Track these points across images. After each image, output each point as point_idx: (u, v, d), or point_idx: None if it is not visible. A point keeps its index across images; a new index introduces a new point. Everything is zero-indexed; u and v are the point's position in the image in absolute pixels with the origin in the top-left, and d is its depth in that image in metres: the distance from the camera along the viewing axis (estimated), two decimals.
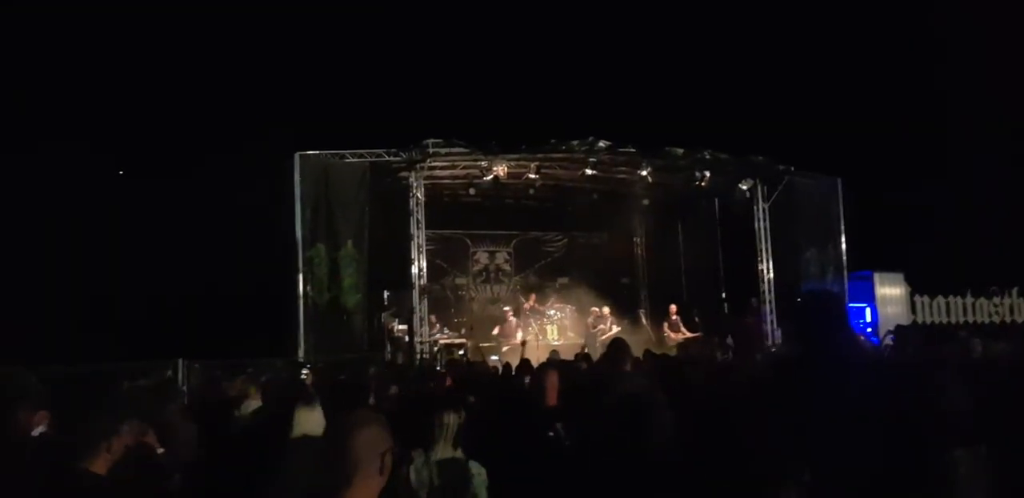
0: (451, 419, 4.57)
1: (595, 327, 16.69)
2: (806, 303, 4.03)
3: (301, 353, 13.57)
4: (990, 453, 4.65)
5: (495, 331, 17.03)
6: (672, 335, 16.71)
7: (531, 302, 18.17)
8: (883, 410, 3.28)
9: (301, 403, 4.79)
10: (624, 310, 17.93)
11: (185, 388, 9.63)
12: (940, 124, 22.36)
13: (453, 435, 4.56)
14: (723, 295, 18.14)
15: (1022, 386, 4.79)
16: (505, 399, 6.35)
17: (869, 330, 18.47)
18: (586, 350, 14.54)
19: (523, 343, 13.54)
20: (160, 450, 4.42)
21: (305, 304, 14.05)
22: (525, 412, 5.60)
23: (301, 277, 14.08)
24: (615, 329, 16.54)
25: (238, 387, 7.34)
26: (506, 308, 17.82)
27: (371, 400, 6.52)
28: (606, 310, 17.05)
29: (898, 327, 7.29)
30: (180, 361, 10.44)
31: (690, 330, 17.19)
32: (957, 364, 6.47)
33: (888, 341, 9.25)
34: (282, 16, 20.27)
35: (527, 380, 7.42)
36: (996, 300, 20.91)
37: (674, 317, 17.14)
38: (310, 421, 4.70)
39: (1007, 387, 4.97)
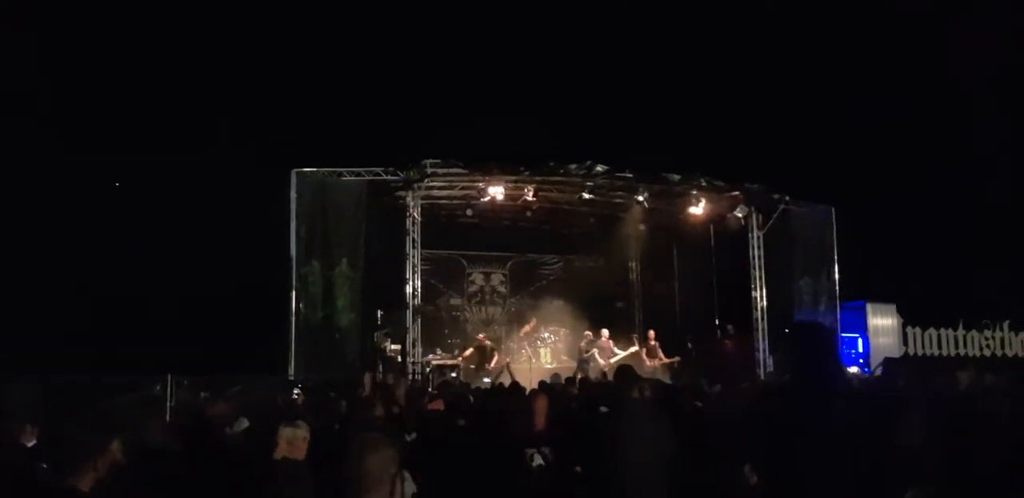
0: None
1: (587, 351, 16.66)
2: (795, 333, 4.05)
3: (292, 371, 13.53)
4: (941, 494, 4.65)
5: (464, 354, 16.82)
6: (648, 361, 16.65)
7: (530, 327, 18.09)
8: (849, 443, 3.31)
9: (283, 424, 4.78)
10: (618, 335, 17.88)
11: (173, 404, 9.61)
12: (935, 155, 22.52)
13: None
14: (716, 322, 18.14)
15: (995, 427, 4.80)
16: (489, 422, 6.35)
17: (861, 361, 18.48)
18: (578, 374, 14.56)
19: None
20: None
21: (297, 322, 14.02)
22: (508, 436, 5.61)
23: (294, 294, 14.06)
24: (618, 353, 16.54)
25: (226, 405, 7.33)
26: (480, 335, 17.67)
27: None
28: (605, 333, 17.02)
29: (886, 359, 7.28)
30: (169, 377, 10.43)
31: (683, 356, 17.15)
32: (934, 399, 6.48)
33: (878, 372, 9.26)
34: (281, 31, 20.39)
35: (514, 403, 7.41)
36: (988, 333, 20.94)
37: (652, 342, 17.08)
38: (289, 440, 4.68)
39: (980, 426, 4.97)
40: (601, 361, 16.19)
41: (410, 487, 4.49)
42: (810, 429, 3.35)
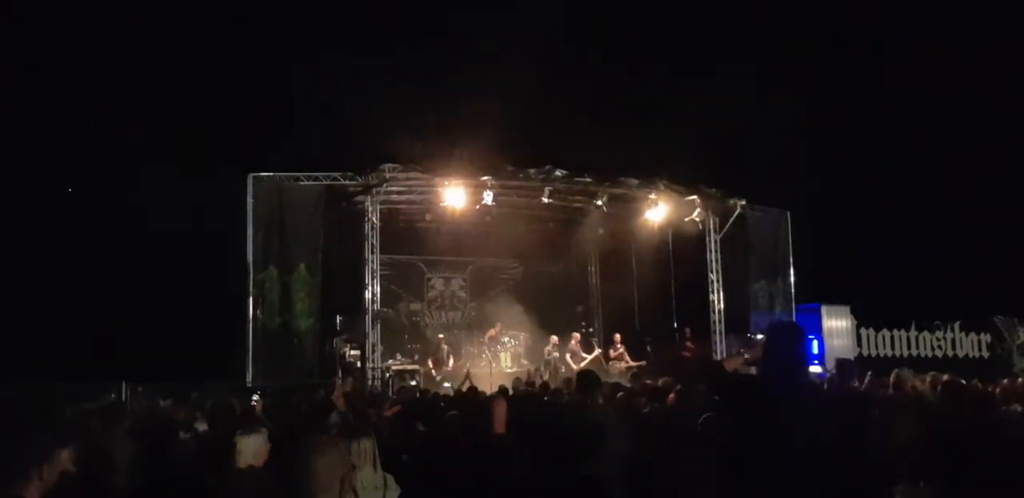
0: (366, 444, 4.58)
1: (550, 354, 16.76)
2: (779, 333, 4.04)
3: (249, 378, 13.40)
4: (931, 489, 4.74)
5: (429, 360, 16.94)
6: (616, 364, 16.78)
7: (495, 331, 18.11)
8: (832, 443, 3.35)
9: (241, 431, 4.70)
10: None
11: (127, 411, 9.45)
12: (887, 159, 22.93)
13: (372, 458, 4.57)
14: (675, 325, 18.30)
15: (958, 422, 4.91)
16: (447, 427, 6.35)
17: (816, 362, 18.74)
18: (543, 378, 14.65)
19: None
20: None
21: (255, 328, 13.89)
22: (467, 440, 5.62)
23: (251, 300, 13.93)
24: (586, 357, 16.67)
25: (184, 412, 7.24)
26: (440, 335, 17.77)
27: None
28: (576, 336, 17.18)
29: (838, 360, 7.41)
30: (124, 384, 10.28)
31: (642, 359, 17.29)
32: (898, 399, 6.60)
33: (832, 373, 9.39)
34: (241, 31, 20.17)
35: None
36: (939, 334, 21.40)
37: (618, 346, 17.22)
38: (251, 448, 4.62)
39: (945, 423, 5.07)
40: (573, 365, 16.32)
41: (394, 493, 4.46)
42: (780, 426, 3.39)
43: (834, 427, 3.45)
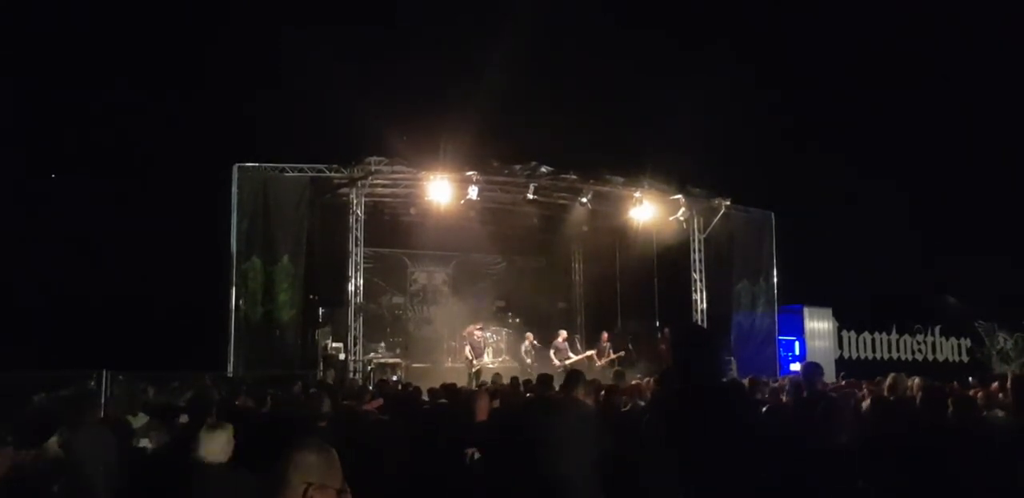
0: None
1: (528, 352, 16.72)
2: (676, 336, 4.06)
3: (230, 368, 13.34)
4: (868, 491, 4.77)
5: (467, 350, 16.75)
6: (599, 361, 16.74)
7: (473, 327, 18.05)
8: (768, 446, 3.34)
9: (206, 426, 4.50)
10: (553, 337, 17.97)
11: (107, 399, 9.39)
12: (873, 163, 23.09)
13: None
14: (657, 323, 18.33)
15: (917, 426, 4.93)
16: (428, 421, 6.34)
17: (797, 363, 18.85)
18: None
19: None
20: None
21: (237, 318, 13.82)
22: (447, 434, 5.60)
23: (234, 290, 13.86)
24: (571, 356, 16.65)
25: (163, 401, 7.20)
26: (477, 329, 17.44)
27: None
28: (563, 334, 17.11)
29: (805, 364, 7.43)
30: (104, 371, 10.20)
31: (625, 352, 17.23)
32: (844, 401, 6.65)
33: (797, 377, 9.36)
34: (228, 23, 20.07)
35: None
36: (919, 337, 21.57)
37: (604, 344, 17.16)
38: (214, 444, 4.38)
39: (905, 427, 5.10)
40: (556, 362, 16.26)
41: None
42: (711, 433, 3.38)
43: (771, 431, 3.45)
